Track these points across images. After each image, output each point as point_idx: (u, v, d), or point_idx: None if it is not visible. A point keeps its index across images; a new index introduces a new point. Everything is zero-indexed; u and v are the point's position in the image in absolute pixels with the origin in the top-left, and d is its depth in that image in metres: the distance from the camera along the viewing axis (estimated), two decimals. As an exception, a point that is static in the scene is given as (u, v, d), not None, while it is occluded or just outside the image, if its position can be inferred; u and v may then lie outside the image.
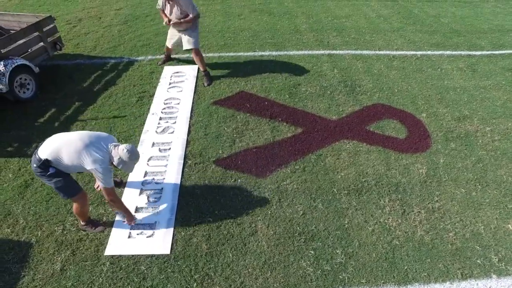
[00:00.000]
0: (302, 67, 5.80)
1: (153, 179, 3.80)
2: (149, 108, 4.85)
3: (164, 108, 4.84)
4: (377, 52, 6.33)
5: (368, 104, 4.96)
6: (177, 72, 5.62)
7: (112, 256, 3.06)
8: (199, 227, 3.30)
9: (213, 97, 5.06)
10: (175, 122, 4.56)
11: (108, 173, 2.91)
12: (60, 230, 3.28)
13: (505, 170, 3.94)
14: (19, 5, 8.33)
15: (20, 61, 4.74)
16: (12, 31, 5.33)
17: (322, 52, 6.26)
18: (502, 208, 3.50)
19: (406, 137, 4.41)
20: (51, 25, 5.46)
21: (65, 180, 2.98)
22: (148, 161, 4.02)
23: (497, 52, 6.45)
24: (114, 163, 2.91)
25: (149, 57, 6.13)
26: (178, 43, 5.35)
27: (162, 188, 3.68)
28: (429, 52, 6.37)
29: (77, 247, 3.13)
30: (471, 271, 2.97)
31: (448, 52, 6.37)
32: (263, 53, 6.21)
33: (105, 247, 3.14)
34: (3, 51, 4.66)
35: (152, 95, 5.11)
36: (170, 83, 5.34)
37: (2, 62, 4.58)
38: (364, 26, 7.32)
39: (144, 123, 4.58)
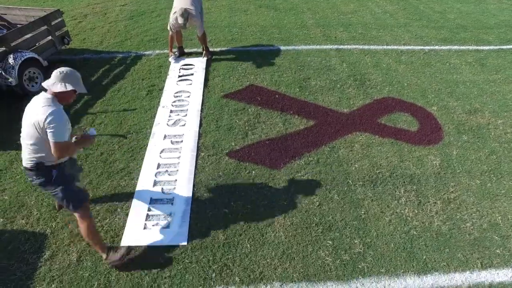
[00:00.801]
0: (311, 61, 5.78)
1: (167, 170, 3.78)
2: (159, 102, 4.82)
3: (174, 101, 4.81)
4: (385, 47, 6.32)
5: (378, 98, 4.95)
6: (186, 65, 5.60)
7: (128, 246, 3.03)
8: (215, 218, 3.28)
9: (223, 90, 5.04)
10: (186, 115, 4.54)
11: (61, 122, 2.41)
12: (75, 221, 3.23)
13: (519, 161, 3.94)
14: (23, 0, 8.28)
15: (29, 54, 4.71)
16: (17, 24, 5.30)
17: (330, 46, 6.25)
18: (518, 199, 3.50)
19: (418, 130, 4.40)
20: (59, 19, 5.44)
21: (71, 184, 2.69)
22: (160, 153, 3.99)
23: (505, 47, 6.45)
24: (55, 90, 2.45)
25: (157, 51, 6.10)
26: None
27: (176, 180, 3.66)
28: (436, 47, 6.36)
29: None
30: (490, 260, 2.95)
31: (456, 47, 6.37)
32: (271, 47, 6.19)
33: (120, 238, 3.11)
34: (12, 44, 4.63)
35: (162, 89, 5.08)
36: (179, 76, 5.32)
37: (11, 55, 4.55)
38: (371, 21, 7.31)
39: (154, 116, 4.55)
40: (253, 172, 3.77)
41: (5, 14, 5.50)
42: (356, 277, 2.85)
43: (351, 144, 4.16)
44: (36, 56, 4.81)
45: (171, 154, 3.98)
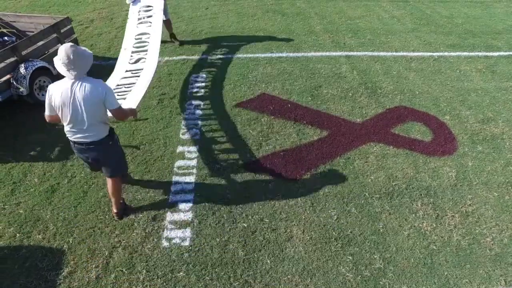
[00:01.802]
0: (321, 68, 5.76)
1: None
2: (171, 111, 4.79)
3: (135, 43, 5.10)
4: (394, 53, 6.30)
5: (390, 107, 4.93)
6: (145, 7, 5.74)
7: (147, 264, 3.01)
8: (233, 233, 3.26)
9: (234, 99, 5.01)
10: (146, 54, 4.87)
11: (112, 90, 2.89)
12: (92, 237, 3.22)
13: (536, 173, 3.93)
14: (29, 6, 8.23)
15: (40, 63, 4.67)
16: (29, 33, 5.26)
17: (339, 53, 6.22)
18: (537, 212, 3.49)
19: (431, 140, 4.38)
20: (68, 27, 5.39)
21: (121, 151, 3.28)
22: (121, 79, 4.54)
23: (514, 53, 6.44)
24: (83, 75, 2.69)
25: (166, 58, 6.07)
26: None
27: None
28: (446, 53, 6.35)
29: (110, 255, 3.08)
30: (513, 277, 2.95)
31: (465, 53, 6.35)
32: (280, 54, 6.16)
33: (139, 254, 3.08)
34: (23, 53, 4.59)
35: (173, 98, 5.05)
36: (139, 19, 5.54)
37: (22, 65, 4.51)
38: (379, 27, 7.29)
39: (167, 126, 4.52)
40: (270, 184, 3.75)
41: (14, 22, 5.46)
42: (378, 294, 2.83)
43: (366, 155, 4.14)
44: (46, 65, 4.77)
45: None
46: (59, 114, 2.76)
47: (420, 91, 5.27)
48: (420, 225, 3.36)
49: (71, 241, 3.19)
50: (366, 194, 3.67)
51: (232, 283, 2.87)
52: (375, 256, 3.10)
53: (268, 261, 3.04)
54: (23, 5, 8.29)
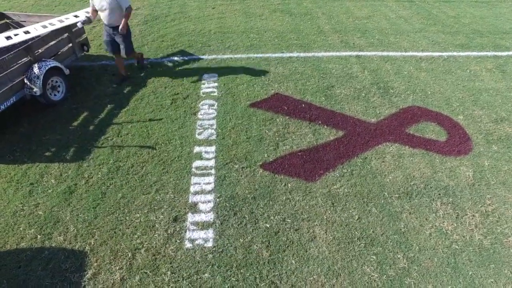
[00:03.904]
0: (332, 68, 5.76)
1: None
2: (185, 111, 4.77)
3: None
4: (404, 53, 6.32)
5: (404, 107, 4.94)
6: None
7: (172, 266, 2.99)
8: (256, 233, 3.25)
9: (248, 99, 5.00)
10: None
11: None
12: (113, 239, 3.20)
13: (551, 172, 3.95)
14: (35, 5, 8.16)
15: (53, 63, 4.63)
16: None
17: (349, 53, 6.23)
18: (556, 211, 3.51)
19: (446, 140, 4.40)
20: (79, 26, 5.34)
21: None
22: None
23: (522, 53, 6.49)
24: None
25: (175, 58, 6.04)
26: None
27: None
28: (455, 53, 6.37)
29: (133, 256, 3.06)
30: (536, 275, 2.97)
31: (474, 53, 6.38)
32: (291, 54, 6.16)
33: (162, 255, 3.06)
34: (36, 53, 4.54)
35: (186, 97, 5.03)
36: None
37: (36, 65, 4.47)
38: (386, 27, 7.31)
39: (182, 126, 4.50)
40: (289, 185, 3.74)
41: (25, 21, 5.41)
42: (405, 294, 2.84)
43: (383, 155, 4.15)
44: (59, 65, 4.73)
45: None
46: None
47: (432, 91, 5.29)
48: (441, 225, 3.37)
49: (92, 243, 3.17)
50: (386, 193, 3.68)
51: (258, 284, 2.86)
52: (399, 256, 3.10)
53: (293, 262, 3.04)
54: (28, 4, 8.21)
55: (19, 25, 5.44)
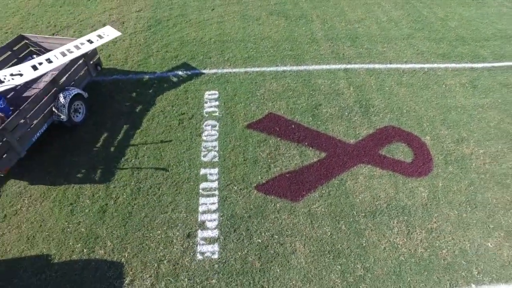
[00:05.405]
0: (321, 84, 6.41)
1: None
2: (191, 132, 5.54)
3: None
4: (388, 65, 6.90)
5: (380, 127, 5.71)
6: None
7: (188, 273, 4.02)
8: (251, 247, 4.24)
9: (246, 119, 5.74)
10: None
11: None
12: (142, 252, 4.19)
13: (492, 192, 4.86)
14: (40, 6, 8.45)
15: (75, 91, 5.30)
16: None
17: (338, 66, 6.82)
18: (485, 228, 4.48)
19: (412, 161, 5.25)
20: (92, 48, 5.89)
21: None
22: None
23: (497, 64, 7.06)
24: None
25: (179, 72, 6.64)
26: None
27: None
28: (435, 65, 6.96)
29: (159, 266, 4.07)
30: (456, 281, 4.01)
31: (452, 65, 6.97)
32: (284, 68, 6.75)
33: (180, 265, 4.07)
34: (60, 82, 5.20)
35: (191, 118, 5.77)
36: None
37: (61, 94, 5.15)
38: (376, 33, 7.75)
39: (190, 148, 5.31)
40: (278, 204, 4.67)
41: (42, 42, 5.94)
42: (358, 295, 3.90)
43: (356, 176, 5.02)
44: (80, 91, 5.40)
45: None
46: None
47: (407, 109, 6.01)
48: (394, 240, 4.36)
49: (126, 255, 4.17)
50: (354, 212, 4.62)
51: (252, 288, 3.92)
52: (358, 266, 4.13)
53: (278, 270, 4.07)
54: (33, 4, 8.49)
55: (36, 45, 5.98)
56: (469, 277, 4.04)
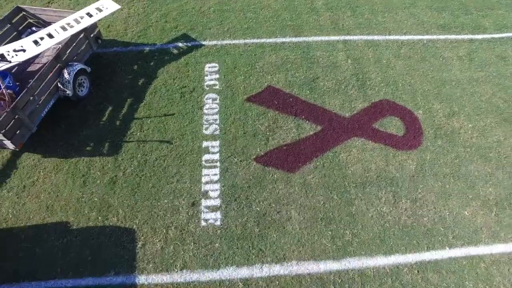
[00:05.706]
0: (320, 56, 6.47)
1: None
2: (192, 105, 5.75)
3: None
4: (387, 37, 6.90)
5: (375, 101, 5.90)
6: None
7: (193, 238, 4.47)
8: (250, 215, 4.67)
9: (245, 93, 5.91)
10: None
11: None
12: (151, 219, 4.62)
13: (475, 165, 5.20)
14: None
15: (78, 66, 5.42)
16: (51, 23, 5.77)
17: (337, 38, 6.82)
18: (464, 198, 4.87)
19: (403, 135, 5.52)
20: (92, 22, 5.88)
21: None
22: None
23: (497, 35, 7.05)
24: None
25: (179, 44, 6.66)
26: None
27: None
28: (434, 37, 6.95)
29: (167, 232, 4.52)
30: (433, 245, 4.48)
31: (452, 37, 6.96)
32: (284, 39, 6.76)
33: (186, 231, 4.52)
34: (64, 58, 5.29)
35: (192, 91, 5.94)
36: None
37: (65, 70, 5.28)
38: (377, 1, 7.61)
39: (192, 121, 5.55)
40: (275, 175, 5.03)
41: (41, 14, 5.90)
42: (345, 257, 4.38)
43: (350, 149, 5.33)
44: (84, 66, 5.51)
45: None
46: None
47: (403, 83, 6.15)
48: (381, 209, 4.78)
49: (137, 222, 4.60)
50: (346, 183, 4.99)
51: (251, 251, 4.39)
52: (347, 232, 4.58)
53: (274, 235, 4.52)
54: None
55: (35, 17, 5.96)
56: (445, 241, 4.51)
